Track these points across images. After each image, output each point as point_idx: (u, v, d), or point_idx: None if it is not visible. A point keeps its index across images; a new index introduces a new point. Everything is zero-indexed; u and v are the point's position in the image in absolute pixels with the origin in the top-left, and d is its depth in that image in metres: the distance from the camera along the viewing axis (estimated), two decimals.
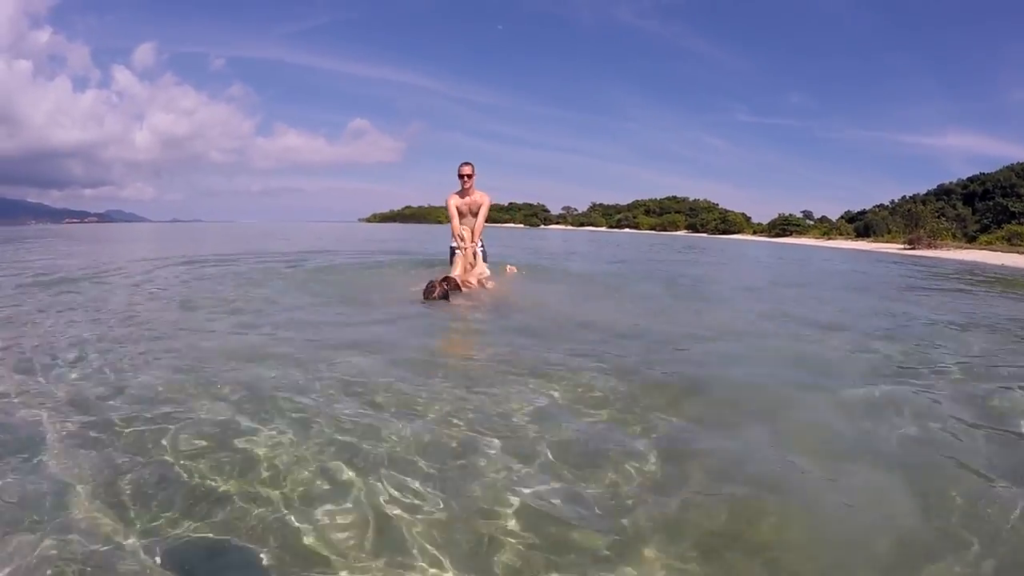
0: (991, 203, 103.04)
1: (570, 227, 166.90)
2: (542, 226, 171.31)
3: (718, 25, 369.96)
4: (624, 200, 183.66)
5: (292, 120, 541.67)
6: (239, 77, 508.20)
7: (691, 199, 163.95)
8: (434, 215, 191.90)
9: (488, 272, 7.45)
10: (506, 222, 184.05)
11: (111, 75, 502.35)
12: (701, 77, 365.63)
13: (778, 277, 15.82)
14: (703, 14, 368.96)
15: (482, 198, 7.84)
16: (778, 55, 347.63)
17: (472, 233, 7.58)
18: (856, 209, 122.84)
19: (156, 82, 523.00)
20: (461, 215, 7.80)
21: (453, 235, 7.71)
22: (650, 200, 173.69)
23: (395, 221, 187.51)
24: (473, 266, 7.25)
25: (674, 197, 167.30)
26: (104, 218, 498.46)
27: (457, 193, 7.78)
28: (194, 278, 8.63)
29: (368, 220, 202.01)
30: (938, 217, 78.58)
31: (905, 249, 68.71)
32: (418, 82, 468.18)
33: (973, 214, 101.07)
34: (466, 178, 7.64)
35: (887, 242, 79.98)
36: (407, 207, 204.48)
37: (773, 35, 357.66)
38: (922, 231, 69.37)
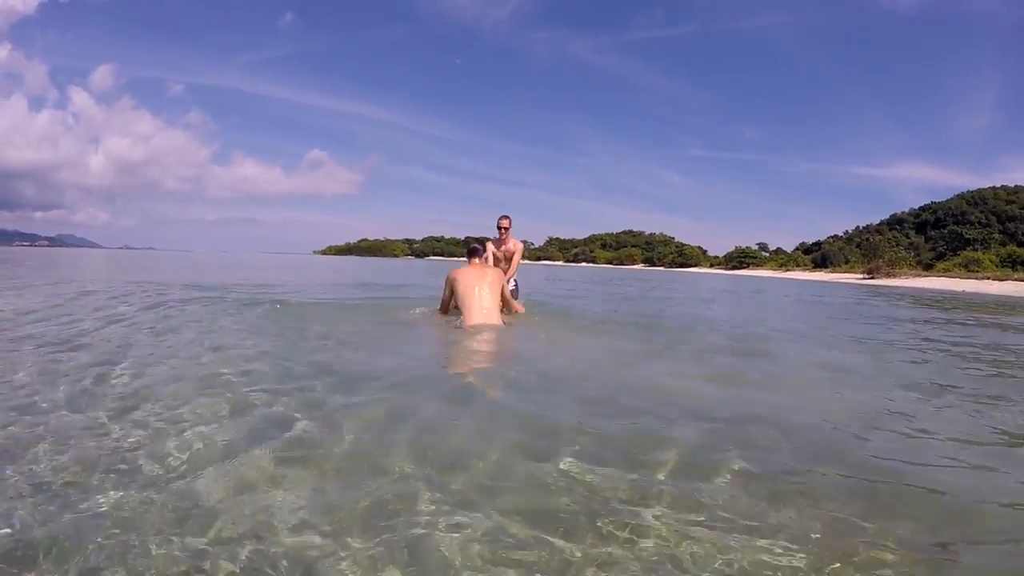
0: (945, 231, 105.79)
1: (526, 261, 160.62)
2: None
3: (673, 61, 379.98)
4: (580, 234, 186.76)
5: (249, 149, 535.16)
6: (197, 104, 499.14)
7: (647, 233, 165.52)
8: (390, 248, 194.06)
9: (521, 308, 8.29)
10: (461, 256, 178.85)
11: (68, 96, 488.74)
12: (656, 112, 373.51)
13: (799, 315, 15.08)
14: (659, 50, 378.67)
15: (515, 246, 8.72)
16: (732, 90, 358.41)
17: (510, 272, 8.63)
18: (811, 240, 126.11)
19: (113, 105, 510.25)
20: (496, 260, 8.56)
21: None
22: (606, 234, 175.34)
23: (351, 254, 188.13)
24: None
25: (630, 231, 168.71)
26: (55, 242, 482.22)
27: (493, 241, 8.59)
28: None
29: (323, 252, 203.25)
30: (895, 247, 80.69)
31: (864, 279, 68.68)
32: (377, 115, 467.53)
33: (926, 242, 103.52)
34: (503, 230, 8.48)
35: (845, 272, 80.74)
36: (363, 240, 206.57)
37: (727, 71, 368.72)
38: (880, 261, 70.39)
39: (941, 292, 36.52)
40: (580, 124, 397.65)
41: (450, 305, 7.16)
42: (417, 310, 8.60)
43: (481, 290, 6.69)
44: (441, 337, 6.79)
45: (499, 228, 8.49)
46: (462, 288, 6.77)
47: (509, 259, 8.66)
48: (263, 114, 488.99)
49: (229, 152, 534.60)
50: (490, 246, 8.46)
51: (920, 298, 26.64)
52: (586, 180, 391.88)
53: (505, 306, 7.38)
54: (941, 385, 5.26)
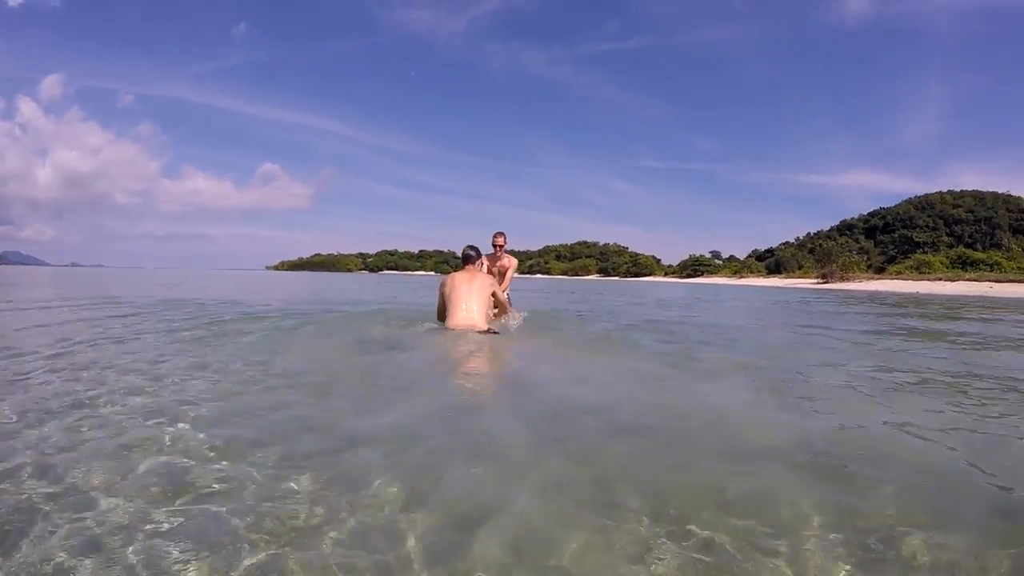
0: (896, 235, 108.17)
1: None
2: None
3: (627, 73, 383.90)
4: (535, 246, 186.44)
5: (200, 163, 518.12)
6: (148, 115, 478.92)
7: (601, 243, 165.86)
8: (343, 263, 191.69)
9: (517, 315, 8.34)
10: (416, 270, 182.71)
11: (16, 106, 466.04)
12: (610, 123, 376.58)
13: (781, 318, 14.36)
14: (613, 63, 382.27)
15: (510, 262, 8.74)
16: (684, 102, 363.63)
17: (505, 284, 8.54)
18: (763, 247, 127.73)
19: (62, 116, 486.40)
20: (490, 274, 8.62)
21: None
22: (560, 245, 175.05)
23: (303, 269, 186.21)
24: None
25: (584, 242, 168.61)
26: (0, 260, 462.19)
27: (488, 257, 8.32)
28: None
29: (276, 268, 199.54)
30: (848, 251, 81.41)
31: (819, 283, 69.07)
32: (330, 127, 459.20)
33: (875, 246, 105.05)
34: (498, 247, 8.54)
35: (799, 278, 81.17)
36: (316, 255, 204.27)
37: (680, 83, 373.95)
38: (834, 265, 71.16)
39: (900, 294, 38.49)
40: (535, 136, 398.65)
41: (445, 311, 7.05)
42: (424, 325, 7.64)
43: (469, 293, 6.63)
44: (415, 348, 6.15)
45: (494, 245, 8.61)
46: (448, 290, 6.74)
47: (503, 274, 8.65)
48: (215, 126, 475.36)
49: (180, 165, 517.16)
50: (484, 261, 8.13)
51: (885, 301, 26.44)
52: (541, 191, 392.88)
53: (499, 311, 7.54)
54: None
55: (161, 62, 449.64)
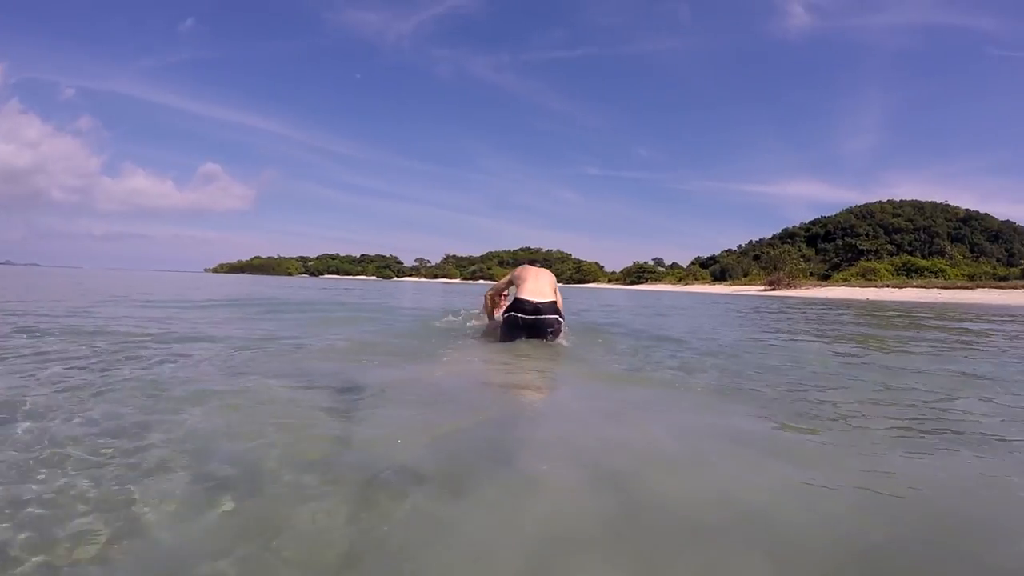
0: (839, 243, 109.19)
1: (423, 279, 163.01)
2: (395, 278, 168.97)
3: (571, 82, 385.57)
4: (478, 252, 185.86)
5: (141, 160, 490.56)
6: (89, 110, 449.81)
7: (544, 249, 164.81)
8: (284, 266, 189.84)
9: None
10: (358, 274, 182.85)
11: None
12: (554, 131, 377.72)
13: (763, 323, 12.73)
14: (557, 71, 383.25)
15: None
16: (628, 111, 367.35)
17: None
18: (706, 255, 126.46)
19: (0, 108, 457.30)
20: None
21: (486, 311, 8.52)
22: (503, 251, 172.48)
23: (243, 272, 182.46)
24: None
25: (527, 248, 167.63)
26: None
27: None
28: None
29: (214, 270, 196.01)
30: (796, 259, 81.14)
31: (767, 290, 67.76)
32: (274, 128, 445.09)
33: (816, 254, 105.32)
34: (505, 296, 8.66)
35: (746, 284, 79.27)
36: (256, 257, 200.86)
37: (623, 92, 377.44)
38: (781, 273, 70.01)
39: (853, 300, 36.93)
40: (479, 142, 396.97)
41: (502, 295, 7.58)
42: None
43: (539, 276, 6.82)
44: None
45: (502, 295, 8.75)
46: (521, 272, 6.98)
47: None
48: (156, 123, 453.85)
49: (120, 162, 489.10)
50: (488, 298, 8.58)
51: (859, 307, 25.78)
52: (484, 197, 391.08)
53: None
54: None
55: (105, 55, 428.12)
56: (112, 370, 3.94)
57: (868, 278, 71.49)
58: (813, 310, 20.52)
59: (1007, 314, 20.20)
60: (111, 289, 17.79)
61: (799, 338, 8.93)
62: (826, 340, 8.74)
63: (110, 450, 2.33)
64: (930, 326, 12.26)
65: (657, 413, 3.47)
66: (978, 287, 52.62)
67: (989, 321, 15.36)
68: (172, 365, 4.22)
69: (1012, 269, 71.98)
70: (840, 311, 20.26)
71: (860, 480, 2.36)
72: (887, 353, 7.14)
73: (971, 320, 15.47)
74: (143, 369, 4.01)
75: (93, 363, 4.16)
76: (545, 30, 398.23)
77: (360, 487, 2.05)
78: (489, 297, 7.73)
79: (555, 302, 6.54)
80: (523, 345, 6.09)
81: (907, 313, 19.04)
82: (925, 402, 3.89)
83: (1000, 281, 59.38)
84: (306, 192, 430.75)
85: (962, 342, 8.68)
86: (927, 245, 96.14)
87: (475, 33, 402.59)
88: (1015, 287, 50.62)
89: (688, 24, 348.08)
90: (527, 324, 6.30)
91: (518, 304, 6.41)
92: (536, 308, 6.34)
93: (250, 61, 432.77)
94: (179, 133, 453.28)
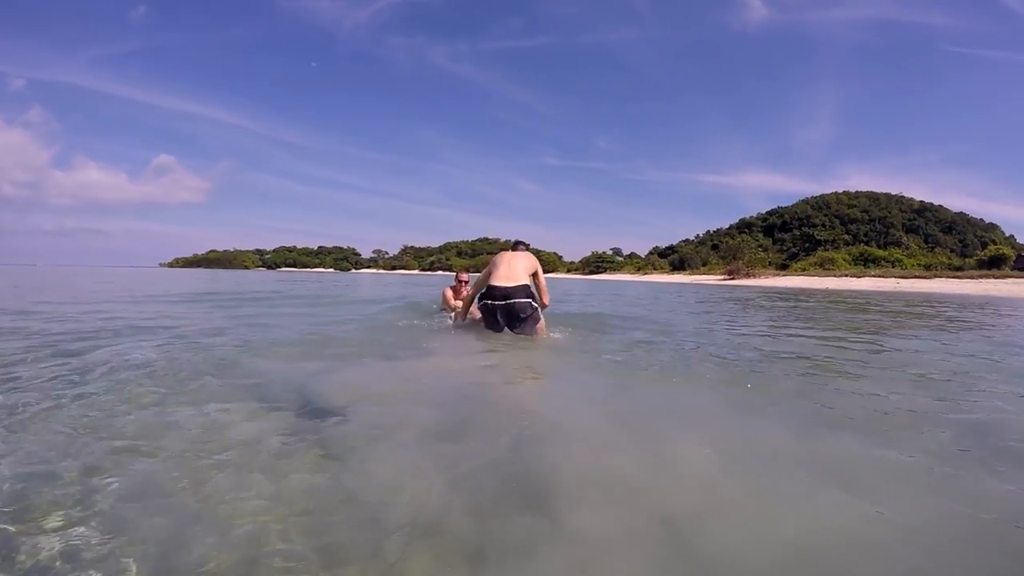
0: (798, 233, 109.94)
1: (382, 271, 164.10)
2: (353, 270, 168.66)
3: (529, 71, 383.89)
4: (436, 242, 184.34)
5: (93, 153, 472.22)
6: (39, 101, 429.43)
7: (503, 240, 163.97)
8: (240, 259, 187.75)
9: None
10: (316, 267, 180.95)
11: None
12: (512, 121, 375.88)
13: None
14: (516, 60, 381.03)
15: (467, 292, 8.86)
16: (586, 101, 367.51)
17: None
18: (664, 244, 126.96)
19: None
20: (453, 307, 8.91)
21: (450, 309, 8.81)
22: (462, 242, 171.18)
23: (199, 266, 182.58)
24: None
25: (486, 239, 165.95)
26: None
27: (452, 289, 9.08)
28: None
29: (170, 265, 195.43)
30: (756, 248, 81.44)
31: (726, 280, 67.68)
32: (228, 118, 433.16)
33: (773, 243, 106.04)
34: (463, 283, 9.02)
35: (705, 274, 78.79)
36: (212, 251, 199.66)
37: (582, 82, 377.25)
38: (740, 262, 70.24)
39: (814, 290, 36.62)
40: (436, 132, 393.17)
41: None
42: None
43: (512, 260, 6.63)
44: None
45: (460, 281, 9.13)
46: (496, 259, 6.76)
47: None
48: (109, 114, 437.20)
49: (71, 155, 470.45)
50: (449, 292, 9.10)
51: (835, 298, 24.64)
52: (441, 188, 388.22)
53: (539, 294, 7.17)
54: None
55: (55, 45, 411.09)
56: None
57: (826, 267, 71.61)
58: (785, 300, 19.46)
59: (977, 303, 19.94)
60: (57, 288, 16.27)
61: (804, 332, 7.98)
62: (827, 330, 8.11)
63: None
64: (927, 315, 11.85)
65: (687, 424, 3.05)
66: (936, 277, 52.69)
67: (981, 310, 15.16)
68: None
69: (967, 260, 72.81)
70: (814, 300, 19.56)
71: (941, 508, 2.06)
72: (906, 339, 6.72)
73: (961, 309, 15.26)
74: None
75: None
76: (503, 19, 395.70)
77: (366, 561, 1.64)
78: (469, 298, 7.42)
79: (527, 285, 6.46)
80: (518, 342, 5.82)
81: (885, 303, 18.31)
82: (976, 402, 3.63)
83: (956, 271, 59.64)
84: (262, 183, 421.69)
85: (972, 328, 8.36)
86: (882, 236, 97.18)
87: (432, 22, 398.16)
88: (971, 277, 50.74)
89: (646, 15, 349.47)
90: (499, 310, 6.27)
91: (489, 291, 6.40)
92: (505, 293, 6.28)
93: (203, 49, 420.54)
94: (132, 124, 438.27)
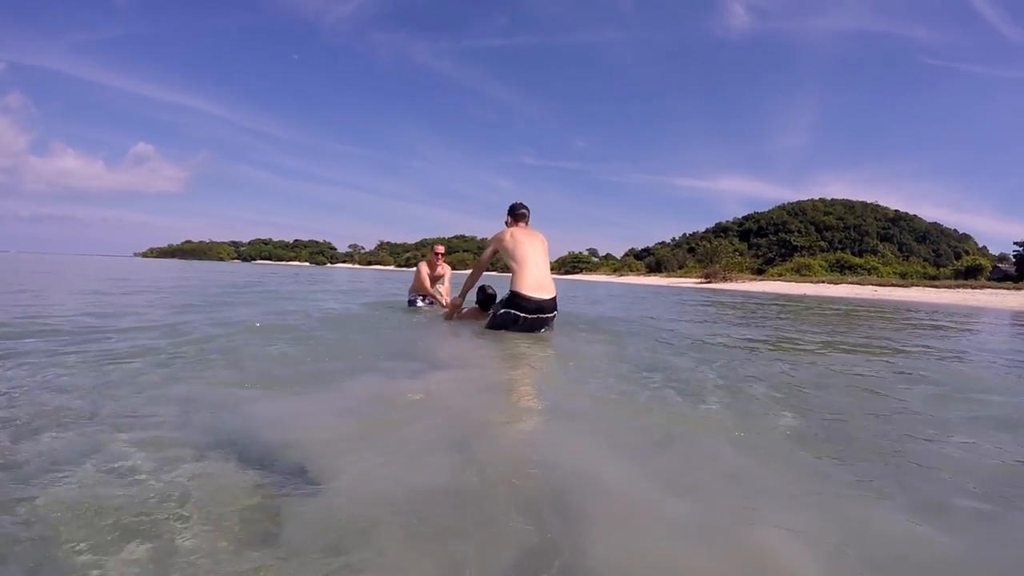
0: (774, 238, 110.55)
1: (357, 265, 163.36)
2: (328, 264, 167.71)
3: (511, 70, 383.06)
4: (412, 239, 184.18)
5: (71, 139, 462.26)
6: (18, 85, 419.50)
7: (479, 238, 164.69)
8: (215, 251, 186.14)
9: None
10: (291, 260, 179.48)
11: None
12: (491, 120, 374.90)
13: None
14: (497, 59, 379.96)
15: (445, 269, 9.24)
16: (566, 102, 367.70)
17: (444, 292, 8.99)
18: (640, 246, 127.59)
19: None
20: (432, 280, 9.05)
21: (421, 289, 8.97)
22: (438, 239, 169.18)
23: (173, 256, 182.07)
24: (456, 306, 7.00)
25: (462, 236, 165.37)
26: None
27: (428, 263, 9.05)
28: None
29: (144, 255, 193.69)
30: (732, 252, 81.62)
31: (703, 283, 67.39)
32: (208, 108, 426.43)
33: (749, 248, 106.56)
34: (439, 255, 9.09)
35: (682, 276, 78.28)
36: (187, 241, 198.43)
37: (562, 82, 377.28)
38: (718, 266, 69.82)
39: (791, 295, 36.17)
40: (416, 128, 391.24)
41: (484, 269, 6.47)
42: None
43: (538, 255, 5.73)
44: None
45: (436, 253, 9.11)
46: (517, 248, 5.71)
47: (440, 278, 9.19)
48: (88, 101, 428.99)
49: (48, 141, 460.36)
50: (424, 267, 9.01)
51: (825, 304, 25.37)
52: (419, 184, 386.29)
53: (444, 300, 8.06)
54: None
55: (36, 29, 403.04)
56: None
57: (803, 273, 71.74)
58: (775, 306, 18.62)
59: (960, 312, 19.67)
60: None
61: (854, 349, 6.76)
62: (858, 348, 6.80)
63: None
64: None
65: (761, 498, 1.95)
66: (913, 285, 52.74)
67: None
68: None
69: (942, 269, 73.37)
70: (804, 306, 19.14)
71: None
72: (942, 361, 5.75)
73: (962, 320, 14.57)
74: None
75: None
76: (486, 17, 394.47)
77: None
78: (467, 288, 6.68)
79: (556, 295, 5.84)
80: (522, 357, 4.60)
81: (891, 311, 17.62)
82: None
83: (931, 280, 59.90)
84: (240, 175, 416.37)
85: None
86: (857, 243, 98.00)
87: (415, 17, 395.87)
88: (948, 286, 50.83)
89: (630, 16, 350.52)
90: (527, 321, 5.54)
91: (517, 301, 5.54)
92: (539, 306, 5.57)
93: (186, 38, 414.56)
94: (111, 112, 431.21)
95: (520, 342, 5.13)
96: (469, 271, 6.93)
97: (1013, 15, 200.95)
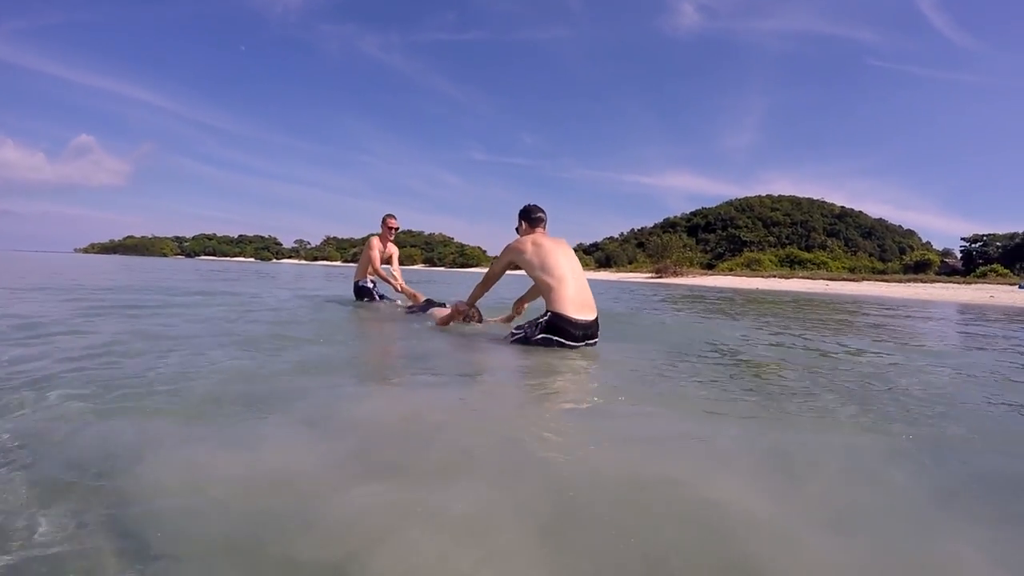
0: (723, 234, 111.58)
1: (304, 261, 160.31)
2: (274, 260, 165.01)
3: (459, 65, 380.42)
4: (359, 234, 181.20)
5: (9, 130, 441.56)
6: None
7: (427, 233, 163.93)
8: (158, 247, 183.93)
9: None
10: (236, 255, 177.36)
11: None
12: (439, 115, 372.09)
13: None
14: (446, 53, 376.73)
15: (393, 248, 8.51)
16: (514, 98, 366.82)
17: (398, 275, 8.34)
18: (588, 242, 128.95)
19: None
20: (383, 259, 8.31)
21: (372, 272, 8.22)
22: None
23: (115, 252, 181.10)
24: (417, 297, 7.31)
25: (409, 231, 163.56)
26: None
27: (380, 238, 8.24)
28: None
29: (85, 250, 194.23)
30: (683, 247, 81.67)
31: (654, 278, 66.59)
32: (151, 99, 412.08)
33: (698, 243, 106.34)
34: (393, 230, 8.30)
35: (633, 271, 78.38)
36: (129, 237, 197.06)
37: (510, 78, 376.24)
38: (669, 261, 69.01)
39: (742, 289, 35.05)
40: (362, 122, 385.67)
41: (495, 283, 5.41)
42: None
43: (576, 270, 4.74)
44: None
45: (390, 228, 8.33)
46: (550, 260, 4.64)
47: (389, 260, 8.47)
48: (28, 90, 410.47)
49: None
50: (376, 242, 8.20)
51: (784, 299, 23.13)
52: (365, 179, 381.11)
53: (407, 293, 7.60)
54: None
55: None
56: None
57: (753, 268, 71.92)
58: (739, 301, 16.92)
59: (916, 306, 18.82)
60: None
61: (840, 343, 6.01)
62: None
63: None
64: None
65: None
66: (863, 280, 52.77)
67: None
68: None
69: (889, 264, 74.39)
70: (769, 302, 17.37)
71: None
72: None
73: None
74: None
75: None
76: (436, 11, 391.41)
77: None
78: (475, 297, 5.59)
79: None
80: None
81: (852, 304, 16.88)
82: None
83: (880, 275, 60.30)
84: (184, 168, 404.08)
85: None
86: (804, 239, 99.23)
87: (365, 10, 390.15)
88: (899, 280, 51.04)
89: (579, 14, 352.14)
90: (571, 347, 4.58)
91: (563, 325, 4.53)
92: (586, 332, 4.60)
93: (129, 25, 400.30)
94: (52, 101, 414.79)
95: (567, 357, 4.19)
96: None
97: (959, 20, 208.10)
